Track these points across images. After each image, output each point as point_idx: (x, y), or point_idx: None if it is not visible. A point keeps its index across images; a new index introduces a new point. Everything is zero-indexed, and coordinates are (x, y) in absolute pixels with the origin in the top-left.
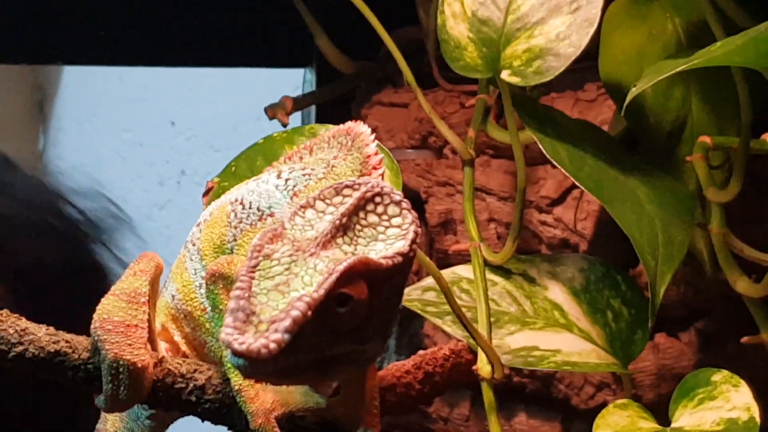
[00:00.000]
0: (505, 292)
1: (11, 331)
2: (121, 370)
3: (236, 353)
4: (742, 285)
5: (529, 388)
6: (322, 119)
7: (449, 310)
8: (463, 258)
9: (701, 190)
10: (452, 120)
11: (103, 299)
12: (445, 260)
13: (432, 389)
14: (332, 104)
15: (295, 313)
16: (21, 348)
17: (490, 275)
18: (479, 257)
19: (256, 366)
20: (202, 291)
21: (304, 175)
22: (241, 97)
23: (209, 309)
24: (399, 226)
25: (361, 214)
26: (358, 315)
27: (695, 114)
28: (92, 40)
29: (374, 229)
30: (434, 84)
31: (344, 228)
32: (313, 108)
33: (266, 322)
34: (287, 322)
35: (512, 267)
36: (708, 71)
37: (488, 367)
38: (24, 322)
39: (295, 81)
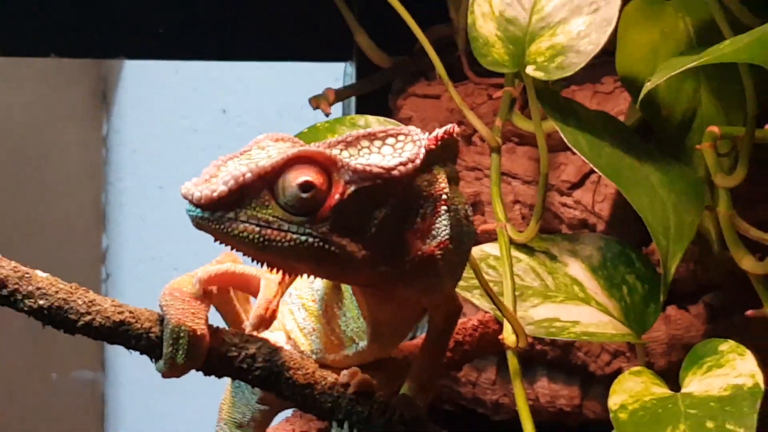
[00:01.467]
0: (528, 268)
1: (80, 302)
2: (181, 335)
3: (182, 196)
4: (748, 263)
5: (550, 356)
6: (361, 110)
7: (477, 285)
8: (491, 237)
9: (710, 176)
10: (480, 110)
11: (178, 277)
12: (475, 239)
13: (462, 356)
14: (371, 96)
15: (236, 173)
16: (89, 318)
17: (515, 252)
18: (505, 236)
19: (198, 215)
20: (312, 284)
21: None
22: (286, 88)
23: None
24: (395, 152)
25: (374, 140)
26: (310, 207)
27: (704, 106)
28: (151, 36)
29: (374, 149)
30: (464, 77)
31: (347, 143)
32: (353, 99)
33: (218, 179)
34: (229, 178)
35: (535, 245)
36: (716, 67)
37: (513, 337)
38: (92, 294)
39: (336, 74)
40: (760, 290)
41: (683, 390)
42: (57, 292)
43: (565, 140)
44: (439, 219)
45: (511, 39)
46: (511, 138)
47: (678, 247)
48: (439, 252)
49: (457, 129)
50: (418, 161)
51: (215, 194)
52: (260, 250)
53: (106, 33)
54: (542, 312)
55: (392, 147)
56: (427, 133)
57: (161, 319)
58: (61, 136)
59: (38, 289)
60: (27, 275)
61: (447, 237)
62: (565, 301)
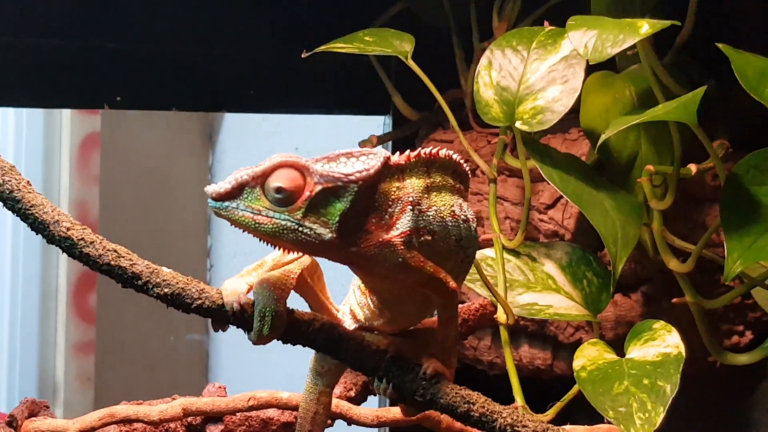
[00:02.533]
0: (516, 266)
1: (194, 290)
2: (266, 314)
3: (206, 192)
4: (674, 264)
5: (530, 329)
6: (395, 151)
7: (479, 278)
8: (488, 243)
9: (647, 201)
10: (482, 152)
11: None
12: (478, 245)
13: (467, 330)
14: (402, 141)
15: (237, 176)
16: (200, 302)
17: (506, 255)
18: (499, 243)
19: (212, 205)
20: None
21: None
22: (343, 132)
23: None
24: (358, 164)
25: (350, 157)
26: (288, 195)
27: (643, 151)
28: (244, 95)
29: (348, 162)
30: (470, 128)
31: (329, 159)
32: (390, 143)
33: (227, 180)
34: (232, 179)
35: (521, 250)
36: (653, 123)
37: (504, 316)
38: (202, 285)
39: (378, 124)
40: (682, 284)
41: (627, 356)
42: (177, 283)
43: (543, 174)
44: (404, 216)
45: (504, 102)
46: (504, 172)
47: (624, 252)
48: (398, 239)
49: (443, 153)
50: (372, 171)
51: (222, 190)
52: (254, 231)
53: (213, 93)
54: (525, 298)
55: (359, 161)
56: (397, 154)
57: (253, 303)
58: (178, 166)
59: (164, 281)
60: (156, 270)
61: (408, 228)
62: (542, 291)
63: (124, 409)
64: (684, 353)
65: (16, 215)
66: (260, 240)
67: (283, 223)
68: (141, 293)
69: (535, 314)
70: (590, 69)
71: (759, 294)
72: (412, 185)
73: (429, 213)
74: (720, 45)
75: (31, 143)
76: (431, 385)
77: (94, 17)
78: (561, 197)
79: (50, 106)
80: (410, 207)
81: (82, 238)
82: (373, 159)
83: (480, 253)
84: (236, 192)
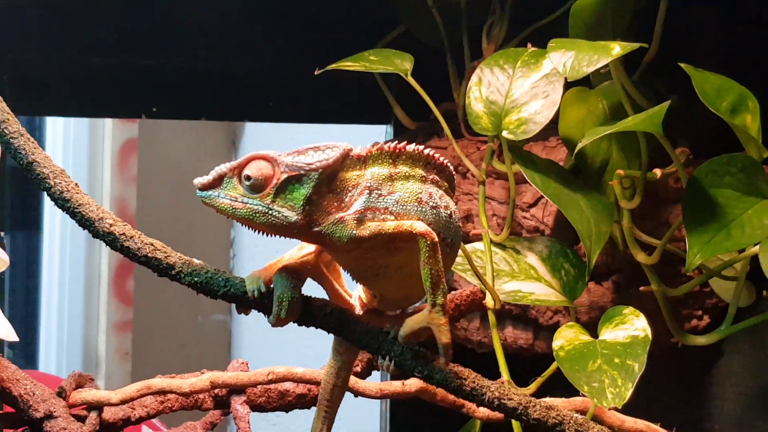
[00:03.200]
0: (502, 258)
1: (220, 279)
2: (284, 299)
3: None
4: (641, 256)
5: (514, 312)
6: None
7: (470, 268)
8: (478, 238)
9: (617, 201)
10: (472, 157)
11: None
12: (468, 239)
13: (459, 313)
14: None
15: (218, 168)
16: (225, 290)
17: (493, 248)
18: (487, 237)
19: (199, 194)
20: None
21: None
22: (349, 140)
23: None
24: (320, 155)
25: (317, 150)
26: (259, 183)
27: (614, 157)
28: (264, 106)
29: (313, 154)
30: (462, 136)
31: (299, 152)
32: None
33: (210, 173)
34: (214, 171)
35: (506, 244)
36: (623, 133)
37: (492, 302)
38: (227, 275)
39: (381, 132)
40: (648, 274)
41: (600, 338)
42: (206, 273)
43: (526, 177)
44: (360, 198)
45: (492, 114)
46: (492, 175)
47: (597, 246)
48: (349, 216)
49: (356, 150)
50: (331, 161)
51: (205, 181)
52: (232, 215)
53: (236, 104)
54: (510, 286)
55: (323, 152)
56: (360, 147)
57: (272, 290)
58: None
59: (194, 270)
60: (187, 261)
61: (361, 208)
62: (525, 280)
63: (159, 382)
64: (650, 336)
65: (66, 213)
66: (241, 223)
67: (255, 207)
68: (174, 281)
69: (519, 300)
70: (568, 85)
71: (715, 283)
72: (373, 173)
73: (390, 197)
74: (682, 65)
75: (78, 147)
76: (429, 363)
77: (133, 38)
78: (542, 197)
79: (95, 115)
80: (368, 191)
81: (123, 233)
82: (334, 151)
83: (470, 246)
84: (217, 182)
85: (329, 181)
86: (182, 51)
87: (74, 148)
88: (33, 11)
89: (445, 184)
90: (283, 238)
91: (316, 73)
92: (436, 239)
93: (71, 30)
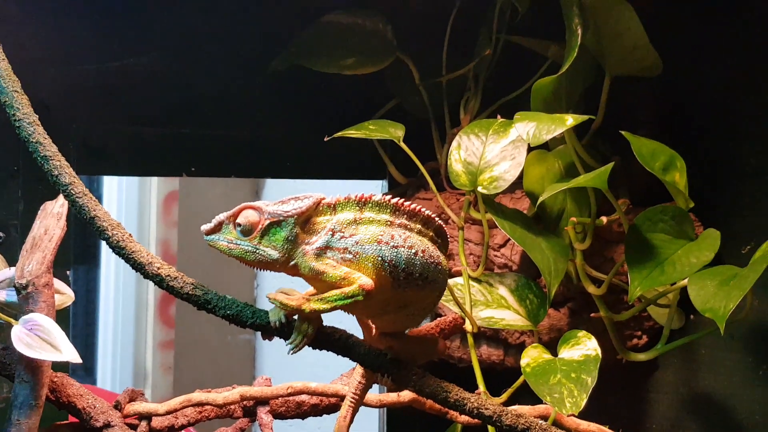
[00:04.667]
0: (478, 290)
1: (248, 312)
2: (302, 329)
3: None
4: (591, 288)
5: (488, 333)
6: None
7: (451, 299)
8: (458, 273)
9: (572, 243)
10: (453, 207)
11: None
12: (450, 274)
13: (443, 335)
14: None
15: (218, 216)
16: (253, 320)
17: (471, 282)
18: (466, 273)
19: (205, 237)
20: None
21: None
22: (352, 192)
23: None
24: (297, 204)
25: (297, 200)
26: (248, 228)
27: (568, 207)
28: (281, 165)
29: (294, 203)
30: (443, 189)
31: (283, 202)
32: None
33: (212, 221)
34: (215, 219)
35: (482, 278)
36: (576, 188)
37: (470, 326)
38: (255, 308)
39: (377, 185)
40: (597, 303)
41: (559, 356)
42: (237, 306)
43: (497, 223)
44: (324, 237)
45: (469, 173)
46: (468, 221)
47: (555, 280)
48: (310, 251)
49: (327, 200)
50: (304, 208)
51: (208, 227)
52: (228, 254)
53: (259, 164)
54: (486, 313)
55: (300, 201)
56: (330, 196)
57: (292, 321)
58: None
59: (227, 305)
60: (221, 297)
61: (320, 246)
62: (497, 308)
63: (197, 396)
64: (600, 355)
65: (121, 258)
66: (237, 260)
67: (245, 247)
68: (210, 313)
69: (493, 325)
70: (530, 149)
71: (652, 309)
72: (339, 219)
73: (351, 239)
74: (623, 132)
75: (129, 198)
76: (419, 378)
77: (176, 111)
78: (510, 239)
79: (144, 174)
80: (330, 232)
81: (169, 275)
82: (308, 200)
83: (452, 281)
84: (217, 228)
85: (303, 225)
86: (215, 121)
87: (126, 198)
88: (94, 89)
89: (429, 232)
90: (270, 272)
91: (325, 139)
92: (371, 285)
93: (125, 105)
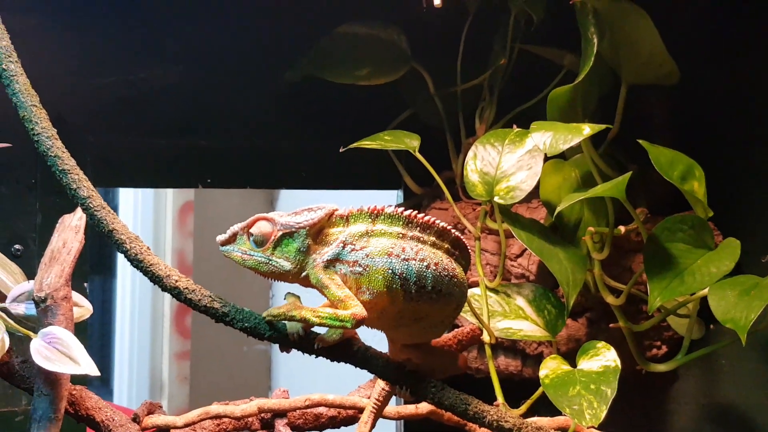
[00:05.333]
0: (495, 301)
1: (266, 325)
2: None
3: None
4: (609, 298)
5: (505, 344)
6: None
7: (469, 310)
8: (475, 284)
9: (590, 253)
10: (469, 217)
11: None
12: (468, 285)
13: (461, 347)
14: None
15: (233, 227)
16: (270, 333)
17: (488, 293)
18: (483, 284)
19: (220, 248)
20: None
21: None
22: (365, 203)
23: None
24: (310, 215)
25: (311, 211)
26: (262, 239)
27: (586, 216)
28: (296, 176)
29: (305, 214)
30: (459, 199)
31: (296, 213)
32: None
33: (227, 231)
34: (229, 230)
35: (499, 288)
36: (593, 198)
37: (488, 337)
38: (260, 316)
39: (392, 196)
40: (616, 313)
41: (578, 367)
42: (255, 319)
43: (514, 234)
44: (334, 249)
45: (486, 183)
46: (485, 231)
47: (574, 291)
48: (320, 263)
49: (339, 211)
50: (316, 219)
51: (223, 238)
52: (242, 265)
53: (274, 174)
54: (503, 324)
55: (313, 212)
56: (343, 208)
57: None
58: None
59: (244, 317)
60: (239, 310)
61: (329, 258)
62: (515, 319)
63: (215, 408)
64: (620, 366)
65: (139, 271)
66: (251, 270)
67: (258, 258)
68: (228, 326)
69: (511, 336)
70: (547, 158)
71: (671, 319)
72: (351, 231)
73: (361, 251)
74: (641, 141)
75: (145, 208)
76: (438, 390)
77: (191, 124)
78: (526, 249)
79: (161, 186)
80: (342, 245)
81: (186, 287)
82: (321, 211)
83: (469, 291)
84: (232, 239)
85: (316, 236)
86: (231, 132)
87: (142, 208)
88: (110, 102)
89: (444, 244)
90: (282, 282)
91: (341, 150)
92: (363, 317)
93: (141, 117)
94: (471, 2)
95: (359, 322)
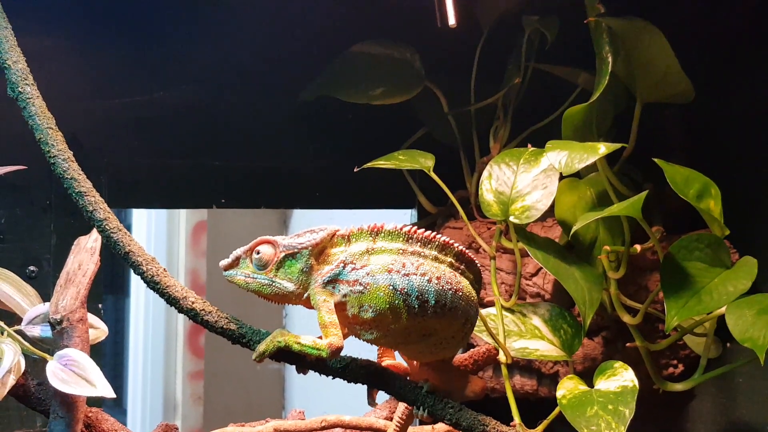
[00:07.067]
0: (511, 320)
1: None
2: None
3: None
4: (626, 317)
5: (521, 364)
6: None
7: (485, 329)
8: (491, 303)
9: (605, 272)
10: (484, 236)
11: None
12: (483, 305)
13: (477, 367)
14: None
15: (236, 252)
16: (285, 351)
17: (504, 312)
18: (499, 303)
19: (223, 273)
20: None
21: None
22: (381, 222)
23: None
24: (311, 237)
25: (312, 232)
26: (264, 261)
27: (601, 235)
28: (308, 197)
29: (308, 236)
30: (474, 218)
31: (299, 235)
32: None
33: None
34: (232, 255)
35: (514, 308)
36: (609, 217)
37: (504, 357)
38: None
39: (406, 215)
40: (633, 332)
41: (595, 387)
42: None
43: (529, 253)
44: (335, 270)
45: (501, 202)
46: (500, 250)
47: (590, 310)
48: (319, 282)
49: (341, 231)
50: (318, 240)
51: (226, 263)
52: (246, 288)
53: (288, 195)
54: (519, 344)
55: (315, 233)
56: (345, 228)
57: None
58: None
59: (261, 338)
60: (256, 331)
61: (328, 278)
62: (531, 338)
63: (231, 430)
64: (637, 386)
65: (156, 293)
66: (255, 294)
67: (261, 280)
68: (244, 347)
69: (527, 356)
70: (561, 176)
71: (688, 338)
72: (352, 250)
73: (362, 270)
74: (656, 159)
75: (159, 228)
76: (456, 411)
77: (205, 145)
78: (542, 268)
79: (175, 207)
80: (342, 264)
81: (203, 309)
82: (323, 232)
83: (484, 311)
84: (235, 263)
85: (318, 256)
86: (244, 153)
87: (155, 228)
88: (124, 123)
89: (447, 258)
90: (286, 305)
91: (355, 170)
92: (339, 348)
93: (156, 139)
94: (485, 21)
95: (334, 353)
